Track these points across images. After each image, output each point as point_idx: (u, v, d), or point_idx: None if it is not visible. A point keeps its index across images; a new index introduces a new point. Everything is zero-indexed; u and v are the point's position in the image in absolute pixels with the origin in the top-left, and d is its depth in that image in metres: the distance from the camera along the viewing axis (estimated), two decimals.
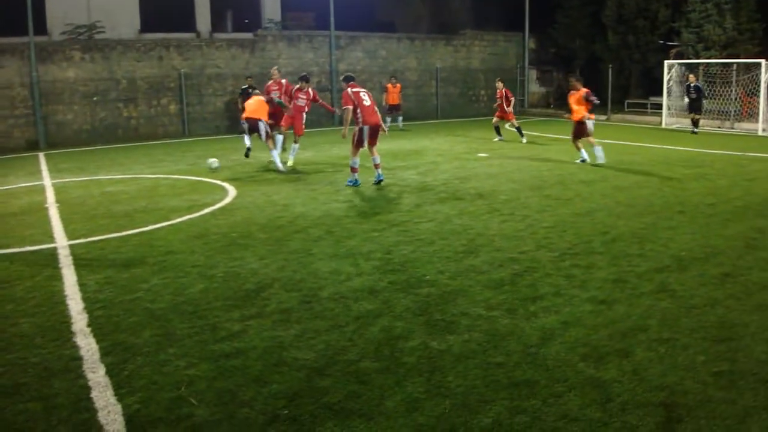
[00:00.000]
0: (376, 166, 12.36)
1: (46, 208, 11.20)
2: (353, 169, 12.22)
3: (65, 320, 5.84)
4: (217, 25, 27.76)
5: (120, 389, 4.49)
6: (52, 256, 8.04)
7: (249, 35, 26.30)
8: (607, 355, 4.76)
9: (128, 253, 7.98)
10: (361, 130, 11.94)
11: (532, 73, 33.02)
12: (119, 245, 8.41)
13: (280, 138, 15.21)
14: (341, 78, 12.77)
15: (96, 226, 9.55)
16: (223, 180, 13.07)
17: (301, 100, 15.00)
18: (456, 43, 30.57)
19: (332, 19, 26.42)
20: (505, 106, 19.50)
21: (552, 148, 17.12)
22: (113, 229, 9.32)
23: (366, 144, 12.08)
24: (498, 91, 19.93)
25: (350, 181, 12.27)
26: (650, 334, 5.13)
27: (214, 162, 14.12)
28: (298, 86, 15.16)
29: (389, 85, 24.02)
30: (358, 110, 11.90)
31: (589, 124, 14.15)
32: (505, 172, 13.10)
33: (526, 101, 31.91)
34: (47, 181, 14.49)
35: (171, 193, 12.14)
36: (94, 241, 8.68)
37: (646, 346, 4.93)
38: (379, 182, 12.24)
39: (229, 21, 29.00)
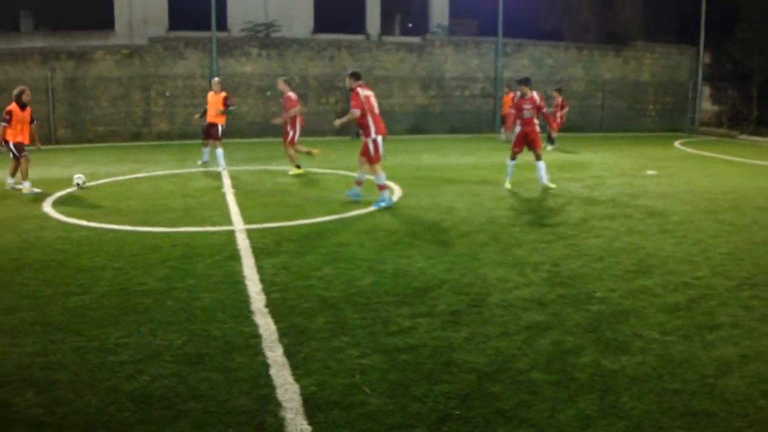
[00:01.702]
0: (361, 183, 11.07)
1: (223, 194, 11.95)
2: (382, 187, 10.70)
3: (244, 299, 6.18)
4: (385, 28, 28.45)
5: (297, 370, 4.68)
6: (230, 237, 8.58)
7: (417, 39, 26.72)
8: None
9: (301, 242, 8.35)
10: (375, 141, 10.57)
11: (705, 90, 31.24)
12: (292, 233, 8.83)
13: (541, 166, 12.84)
14: (348, 73, 10.93)
15: (270, 214, 10.08)
16: (389, 179, 13.35)
17: (528, 112, 12.54)
18: (626, 55, 29.50)
19: (500, 25, 26.30)
20: (557, 116, 19.68)
21: (726, 171, 16.17)
22: (286, 217, 9.80)
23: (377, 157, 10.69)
24: (555, 100, 19.53)
25: (383, 201, 10.63)
26: None
27: (79, 179, 12.90)
28: (520, 94, 12.83)
29: (505, 97, 22.72)
30: (368, 117, 10.53)
31: None
32: (675, 192, 12.49)
33: (696, 119, 30.25)
34: (222, 167, 15.42)
35: (338, 187, 12.56)
36: (268, 228, 9.17)
37: None
38: (356, 200, 10.90)
39: (397, 25, 29.63)
